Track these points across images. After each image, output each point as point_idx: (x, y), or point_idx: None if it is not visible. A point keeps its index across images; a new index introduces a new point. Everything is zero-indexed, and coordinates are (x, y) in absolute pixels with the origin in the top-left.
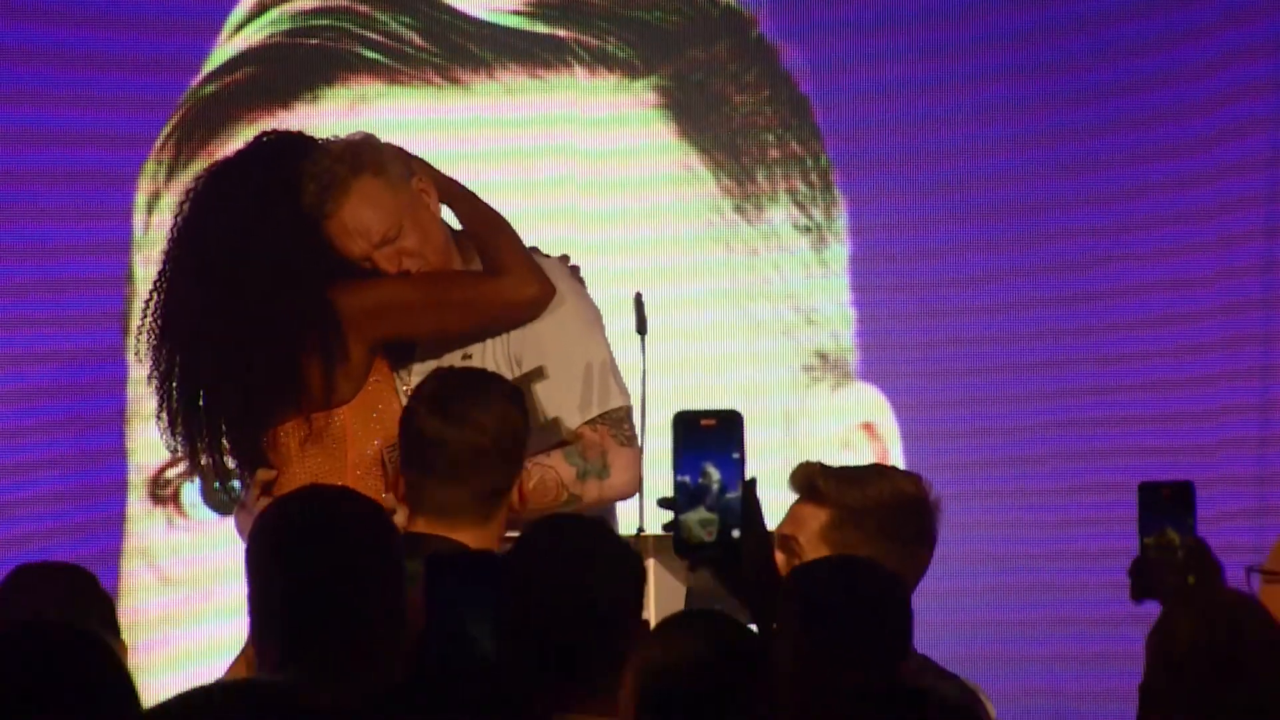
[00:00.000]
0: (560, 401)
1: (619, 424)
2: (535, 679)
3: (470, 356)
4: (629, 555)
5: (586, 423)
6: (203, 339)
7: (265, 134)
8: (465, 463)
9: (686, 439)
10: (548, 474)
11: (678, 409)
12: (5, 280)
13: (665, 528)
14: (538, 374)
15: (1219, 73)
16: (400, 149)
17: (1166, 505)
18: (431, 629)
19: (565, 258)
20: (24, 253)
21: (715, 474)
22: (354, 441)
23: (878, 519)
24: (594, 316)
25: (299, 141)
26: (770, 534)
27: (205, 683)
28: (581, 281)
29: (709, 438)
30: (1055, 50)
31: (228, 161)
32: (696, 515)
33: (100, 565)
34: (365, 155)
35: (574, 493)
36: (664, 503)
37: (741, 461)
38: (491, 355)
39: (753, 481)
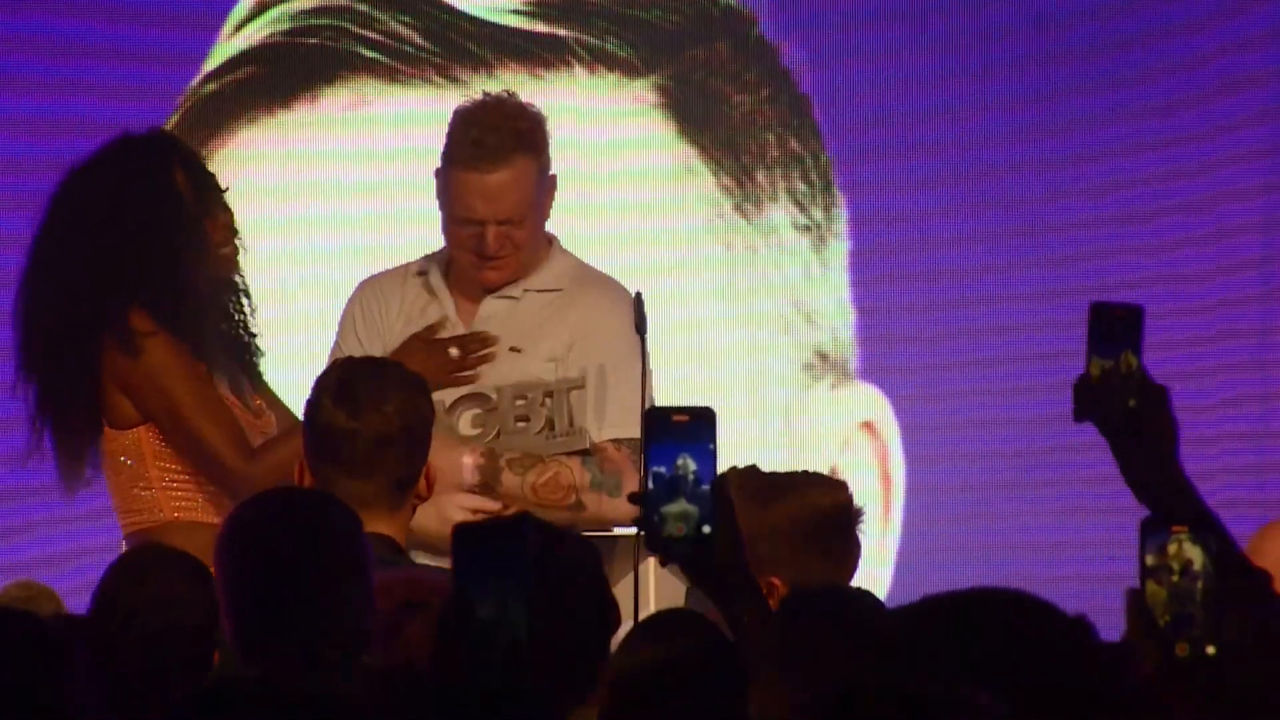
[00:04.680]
0: (589, 410)
1: (640, 454)
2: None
3: (521, 351)
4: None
5: (611, 440)
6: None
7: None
8: (373, 454)
9: (659, 434)
10: (562, 472)
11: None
12: (6, 270)
13: (635, 523)
14: (576, 382)
15: (1216, 63)
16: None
17: (1118, 327)
18: (459, 603)
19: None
20: (25, 242)
21: (691, 464)
22: (156, 460)
23: (788, 538)
24: (641, 347)
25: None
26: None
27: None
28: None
29: (682, 432)
30: (1052, 43)
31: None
32: (674, 507)
33: (100, 558)
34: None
35: (581, 499)
36: (634, 498)
37: (714, 454)
38: (535, 351)
39: (723, 476)
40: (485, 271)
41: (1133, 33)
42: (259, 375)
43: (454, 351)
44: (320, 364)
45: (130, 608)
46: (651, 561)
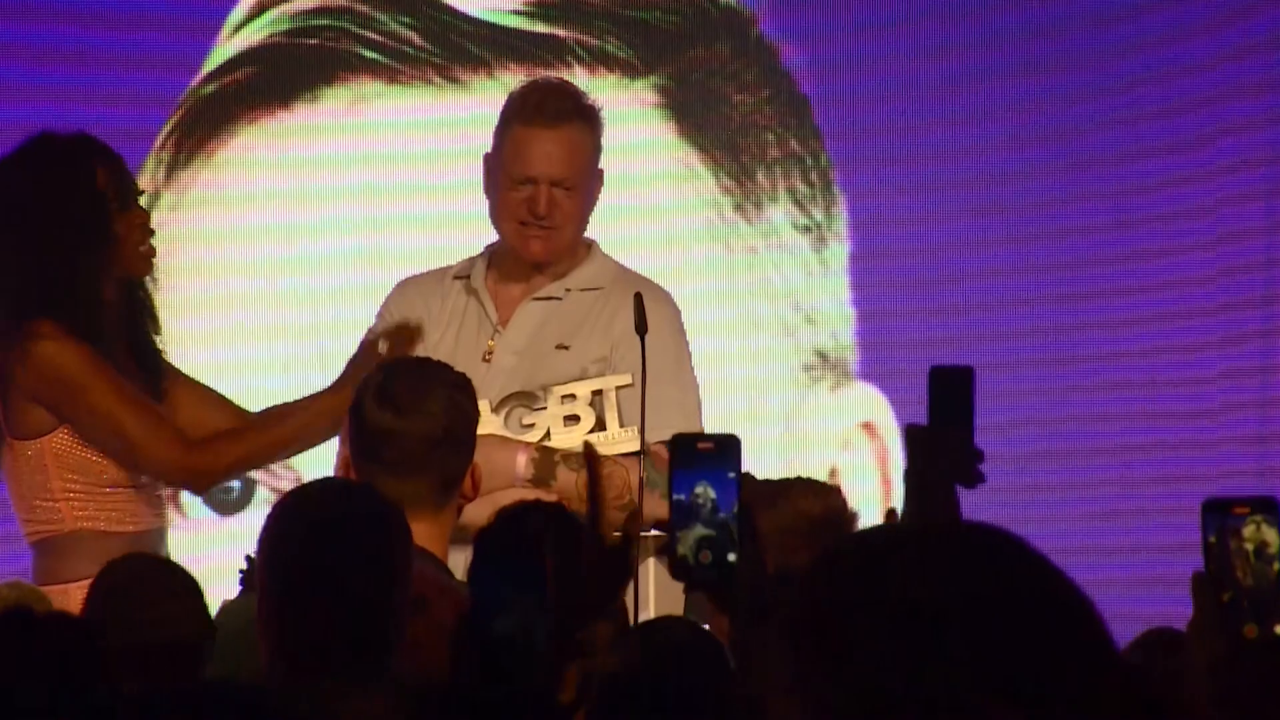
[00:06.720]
0: (637, 413)
1: None
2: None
3: (568, 348)
4: None
5: (659, 443)
6: None
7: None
8: (418, 454)
9: (683, 460)
10: (618, 472)
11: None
12: None
13: (660, 550)
14: (624, 382)
15: (1218, 69)
16: None
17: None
18: (478, 612)
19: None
20: None
21: (710, 493)
22: (59, 471)
23: (780, 547)
24: (688, 352)
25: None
26: (764, 557)
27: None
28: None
29: (705, 460)
30: (1053, 48)
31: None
32: (693, 534)
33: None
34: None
35: (635, 499)
36: (660, 525)
37: (737, 483)
38: (582, 349)
39: (747, 505)
40: (531, 241)
41: (1133, 39)
42: (159, 386)
43: (383, 347)
44: (314, 371)
45: (123, 622)
46: (651, 562)
